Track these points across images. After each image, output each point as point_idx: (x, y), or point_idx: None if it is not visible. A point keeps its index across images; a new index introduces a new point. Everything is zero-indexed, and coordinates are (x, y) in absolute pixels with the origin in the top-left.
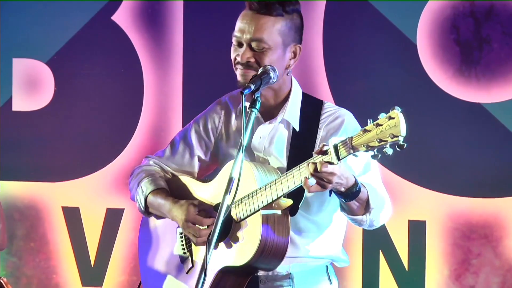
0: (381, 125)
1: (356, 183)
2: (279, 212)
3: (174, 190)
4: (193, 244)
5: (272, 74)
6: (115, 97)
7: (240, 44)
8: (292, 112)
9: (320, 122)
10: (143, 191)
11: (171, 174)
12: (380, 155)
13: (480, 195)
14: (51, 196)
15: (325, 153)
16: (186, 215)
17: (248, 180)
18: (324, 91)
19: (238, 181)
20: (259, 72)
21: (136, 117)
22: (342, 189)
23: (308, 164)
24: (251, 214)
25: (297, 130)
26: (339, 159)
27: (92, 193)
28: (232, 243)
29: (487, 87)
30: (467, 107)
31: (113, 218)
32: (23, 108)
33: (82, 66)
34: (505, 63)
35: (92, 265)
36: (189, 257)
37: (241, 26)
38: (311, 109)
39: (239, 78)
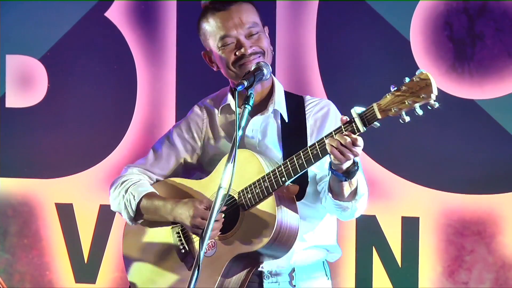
0: (411, 87)
1: (354, 162)
2: (290, 196)
3: (166, 194)
4: (194, 241)
5: (265, 71)
6: (108, 94)
7: (237, 41)
8: (280, 103)
9: (306, 112)
10: (134, 197)
11: (156, 180)
12: (408, 118)
13: (474, 192)
14: (45, 192)
15: (349, 123)
16: (194, 211)
17: (253, 168)
18: (317, 89)
19: (232, 176)
20: (252, 68)
21: (129, 113)
22: (345, 167)
23: (335, 135)
24: (262, 199)
25: (286, 120)
26: (366, 126)
27: (85, 190)
28: (243, 231)
29: (481, 84)
30: (460, 103)
31: (106, 214)
32: (16, 105)
33: (76, 63)
34: (498, 60)
35: (86, 262)
36: (190, 254)
37: (228, 25)
38: (294, 101)
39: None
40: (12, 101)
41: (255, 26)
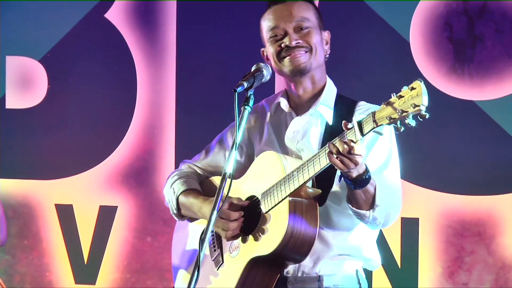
0: (403, 96)
1: (366, 170)
2: (307, 200)
3: (208, 192)
4: (223, 241)
5: (265, 72)
6: (108, 95)
7: (285, 34)
8: (325, 105)
9: (353, 117)
10: (174, 192)
11: (205, 176)
12: (403, 128)
13: (473, 193)
14: (45, 193)
15: (350, 130)
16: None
17: (276, 171)
18: None
19: (231, 178)
20: (252, 69)
21: (129, 114)
22: (354, 175)
23: (336, 143)
24: (278, 203)
25: (330, 123)
26: (362, 134)
27: (85, 191)
28: (260, 234)
29: (480, 85)
30: (460, 104)
31: (106, 215)
32: (16, 106)
33: (76, 64)
34: (498, 61)
35: (85, 263)
36: (219, 254)
37: (277, 17)
38: (345, 105)
39: (292, 63)
40: (12, 102)
41: (305, 21)
